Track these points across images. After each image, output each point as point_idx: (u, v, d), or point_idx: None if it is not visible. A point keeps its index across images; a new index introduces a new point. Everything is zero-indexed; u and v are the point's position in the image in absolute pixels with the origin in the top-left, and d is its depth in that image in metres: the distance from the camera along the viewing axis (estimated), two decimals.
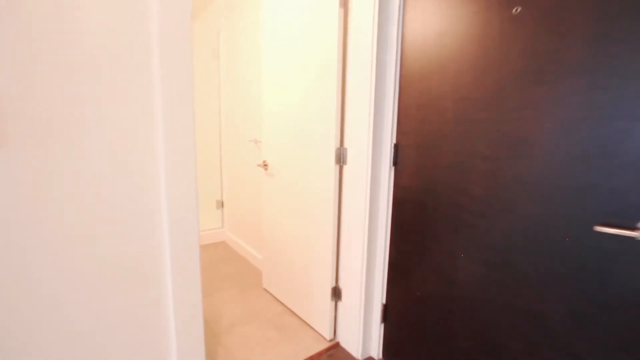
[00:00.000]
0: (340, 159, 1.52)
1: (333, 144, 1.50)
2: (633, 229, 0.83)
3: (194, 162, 1.10)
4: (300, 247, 1.79)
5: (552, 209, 0.98)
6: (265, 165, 1.99)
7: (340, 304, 1.66)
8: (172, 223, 1.07)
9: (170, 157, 1.04)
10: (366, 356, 1.61)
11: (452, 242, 1.23)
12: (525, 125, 1.01)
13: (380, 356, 1.59)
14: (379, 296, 1.53)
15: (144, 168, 1.03)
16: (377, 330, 1.57)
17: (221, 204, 3.25)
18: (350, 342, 1.61)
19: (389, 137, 1.39)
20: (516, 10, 1.00)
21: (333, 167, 1.52)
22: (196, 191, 1.11)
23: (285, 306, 2.00)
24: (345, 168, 1.50)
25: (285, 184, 1.85)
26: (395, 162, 1.40)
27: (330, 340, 1.70)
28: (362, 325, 1.55)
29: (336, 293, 1.67)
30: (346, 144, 1.49)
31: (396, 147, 1.39)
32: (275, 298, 2.09)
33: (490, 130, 1.09)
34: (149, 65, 0.99)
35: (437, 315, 1.31)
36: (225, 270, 2.55)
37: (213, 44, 3.06)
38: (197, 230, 1.14)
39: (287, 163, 1.82)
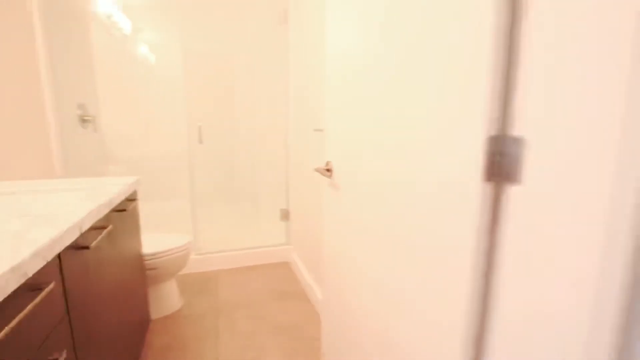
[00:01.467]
0: (500, 167, 0.56)
1: (479, 130, 0.55)
2: None
3: None
4: (383, 318, 0.89)
5: None
6: (329, 170, 1.15)
7: None
8: None
9: None
10: None
11: None
12: None
13: None
14: None
15: None
16: None
17: (287, 215, 2.55)
18: None
19: None
20: None
21: (475, 187, 0.57)
22: None
23: None
24: (517, 192, 0.53)
25: (360, 204, 0.97)
26: None
27: None
28: None
29: None
30: (523, 129, 0.52)
31: None
32: None
33: None
34: None
35: None
36: (277, 316, 1.81)
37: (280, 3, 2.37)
38: None
39: (364, 170, 0.94)
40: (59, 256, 0.70)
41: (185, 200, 2.39)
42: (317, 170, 1.17)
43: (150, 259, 1.65)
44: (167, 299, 1.83)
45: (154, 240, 1.80)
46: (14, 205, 1.08)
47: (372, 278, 0.90)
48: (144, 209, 2.85)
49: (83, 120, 2.32)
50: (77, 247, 0.78)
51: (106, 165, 2.67)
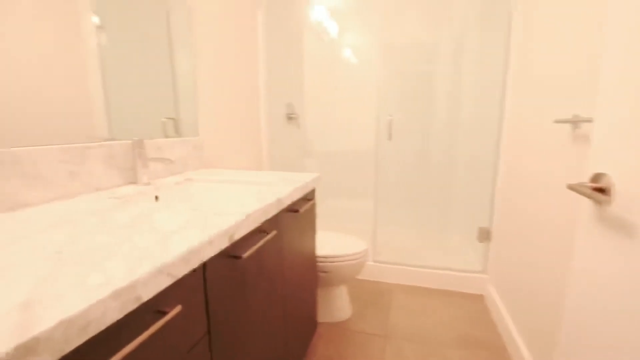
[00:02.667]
0: None
1: None
2: None
3: None
4: None
5: None
6: (601, 190, 0.62)
7: None
8: None
9: None
10: None
11: None
12: None
13: None
14: None
15: None
16: None
17: (487, 235, 1.97)
18: None
19: None
20: None
21: None
22: None
23: None
24: None
25: None
26: None
27: None
28: None
29: None
30: None
31: None
32: None
33: None
34: None
35: None
36: None
37: None
38: None
39: None
40: (204, 265, 0.59)
41: (368, 201, 2.24)
42: (573, 188, 0.66)
43: (323, 262, 1.56)
44: (336, 306, 1.71)
45: (330, 240, 1.72)
46: (201, 194, 1.15)
47: None
48: (327, 204, 2.97)
49: (289, 118, 2.55)
50: (228, 255, 0.67)
51: (304, 159, 2.90)
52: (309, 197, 1.23)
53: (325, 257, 1.56)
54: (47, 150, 0.82)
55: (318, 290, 1.68)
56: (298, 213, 1.08)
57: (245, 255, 0.70)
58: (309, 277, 1.34)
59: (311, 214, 1.30)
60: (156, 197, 1.05)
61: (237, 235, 0.68)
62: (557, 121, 1.08)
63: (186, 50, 1.39)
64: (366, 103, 2.69)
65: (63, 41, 0.87)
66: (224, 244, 0.63)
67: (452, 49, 2.55)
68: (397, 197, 2.73)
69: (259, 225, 0.80)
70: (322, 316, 1.71)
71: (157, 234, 0.58)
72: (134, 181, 1.09)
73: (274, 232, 0.86)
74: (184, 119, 1.39)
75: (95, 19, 0.98)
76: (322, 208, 2.85)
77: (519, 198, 1.52)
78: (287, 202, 0.97)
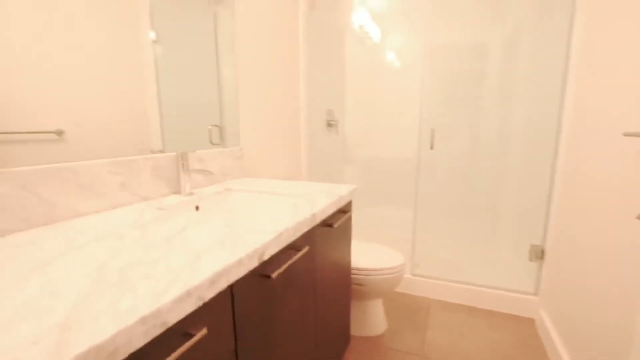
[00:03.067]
0: None
1: None
2: None
3: None
4: None
5: None
6: None
7: None
8: None
9: None
10: None
11: None
12: None
13: None
14: None
15: None
16: None
17: (540, 254, 1.81)
18: None
19: None
20: None
21: None
22: None
23: None
24: None
25: None
26: None
27: None
28: None
29: None
30: None
31: None
32: None
33: None
34: None
35: None
36: None
37: None
38: None
39: None
40: (231, 286, 0.60)
41: (408, 209, 2.16)
42: None
43: (358, 275, 1.53)
44: (370, 319, 1.67)
45: (366, 251, 1.68)
46: (237, 206, 1.18)
47: None
48: (366, 212, 2.91)
49: (329, 125, 2.55)
50: (257, 274, 0.68)
51: (343, 165, 2.88)
52: (345, 209, 1.21)
53: (360, 270, 1.52)
54: (101, 165, 0.89)
55: (352, 303, 1.65)
56: (332, 228, 1.06)
57: (275, 274, 0.70)
58: (343, 290, 1.32)
59: (346, 228, 1.28)
60: (197, 207, 1.10)
61: (267, 255, 0.68)
62: (627, 134, 0.95)
63: (230, 59, 1.44)
64: (408, 109, 2.60)
65: (123, 56, 0.94)
66: (253, 264, 0.63)
67: (503, 50, 2.38)
68: (440, 206, 2.60)
69: (291, 242, 0.80)
70: (356, 329, 1.68)
71: (189, 253, 0.60)
72: (178, 191, 1.15)
73: (306, 249, 0.85)
74: (228, 126, 1.45)
75: (152, 34, 1.05)
76: (360, 215, 2.81)
77: (580, 218, 1.37)
78: (321, 217, 0.95)
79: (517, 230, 2.31)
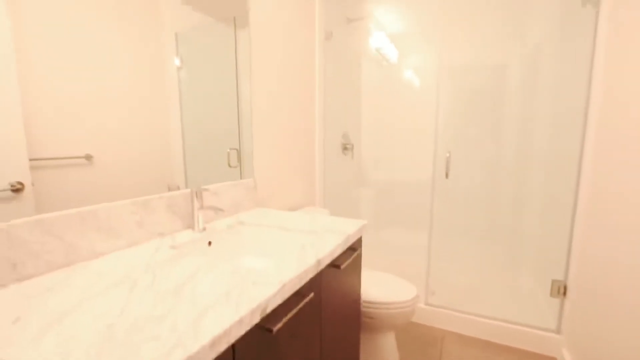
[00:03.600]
0: None
1: None
2: None
3: None
4: None
5: None
6: None
7: None
8: None
9: None
10: None
11: None
12: None
13: None
14: None
15: None
16: None
17: (562, 290, 1.73)
18: None
19: None
20: None
21: None
22: None
23: None
24: None
25: None
26: None
27: None
28: None
29: None
30: None
31: None
32: None
33: None
34: None
35: None
36: None
37: None
38: None
39: None
40: (232, 346, 0.62)
41: (424, 233, 2.13)
42: None
43: (368, 308, 1.51)
44: (382, 354, 1.64)
45: (377, 282, 1.66)
46: (247, 244, 1.20)
47: None
48: (380, 235, 2.88)
49: (344, 148, 2.57)
50: (258, 328, 0.69)
51: (358, 188, 2.88)
52: (354, 247, 1.21)
53: (370, 303, 1.51)
54: (120, 206, 0.94)
55: (362, 335, 1.63)
56: (339, 269, 1.07)
57: (277, 327, 0.71)
58: (352, 327, 1.31)
59: (355, 266, 1.27)
60: (209, 243, 1.13)
61: (270, 308, 0.70)
62: None
63: (248, 83, 1.51)
64: (424, 131, 2.59)
65: (148, 84, 1.00)
66: (255, 320, 0.65)
67: (523, 70, 2.34)
68: (457, 231, 2.54)
69: (296, 290, 0.81)
70: None
71: (195, 308, 0.62)
72: (191, 225, 1.19)
73: (310, 295, 0.86)
74: (246, 149, 1.50)
75: (177, 61, 1.12)
76: (374, 239, 2.78)
77: (607, 252, 1.31)
78: (327, 262, 0.96)
79: (538, 262, 2.22)
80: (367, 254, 2.63)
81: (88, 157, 0.89)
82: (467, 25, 2.44)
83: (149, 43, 1.02)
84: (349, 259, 1.13)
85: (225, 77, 1.37)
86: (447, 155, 1.96)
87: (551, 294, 1.77)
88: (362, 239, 1.36)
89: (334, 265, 1.05)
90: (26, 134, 0.77)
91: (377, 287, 1.61)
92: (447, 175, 1.95)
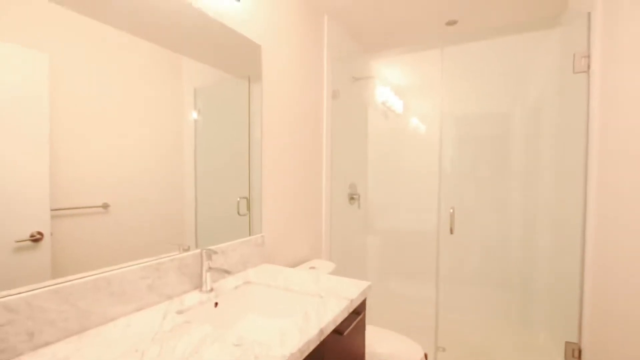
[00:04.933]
0: None
1: None
2: None
3: None
4: None
5: None
6: None
7: None
8: None
9: None
10: None
11: None
12: None
13: None
14: None
15: None
16: None
17: (577, 354, 1.66)
18: None
19: None
20: None
21: None
22: None
23: None
24: None
25: None
26: None
27: None
28: None
29: None
30: None
31: None
32: None
33: None
34: None
35: None
36: None
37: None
38: None
39: None
40: None
41: (431, 285, 2.10)
42: None
43: None
44: None
45: (381, 342, 1.62)
46: (252, 307, 1.22)
47: None
48: (387, 286, 2.83)
49: (351, 198, 2.63)
50: None
51: (364, 236, 2.89)
52: (358, 310, 1.22)
53: None
54: (132, 271, 0.99)
55: None
56: (342, 336, 1.07)
57: None
58: None
59: (359, 332, 1.27)
60: (215, 304, 1.16)
61: None
62: None
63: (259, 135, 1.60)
64: (429, 181, 2.63)
65: (165, 135, 1.09)
66: None
67: (523, 122, 2.40)
68: (465, 283, 2.49)
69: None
70: None
71: None
72: (199, 285, 1.22)
73: None
74: (255, 197, 1.56)
75: (195, 114, 1.21)
76: (380, 288, 2.74)
77: (622, 313, 1.28)
78: (330, 329, 0.98)
79: (551, 321, 2.14)
80: (372, 304, 2.58)
81: (105, 206, 0.95)
82: (470, 79, 2.56)
83: (170, 99, 1.12)
84: (352, 323, 1.13)
85: (238, 128, 1.47)
86: (451, 211, 1.99)
87: (566, 357, 1.69)
88: (367, 296, 1.36)
89: (337, 331, 1.05)
90: (50, 184, 0.82)
91: (380, 345, 1.58)
92: (451, 231, 1.97)
